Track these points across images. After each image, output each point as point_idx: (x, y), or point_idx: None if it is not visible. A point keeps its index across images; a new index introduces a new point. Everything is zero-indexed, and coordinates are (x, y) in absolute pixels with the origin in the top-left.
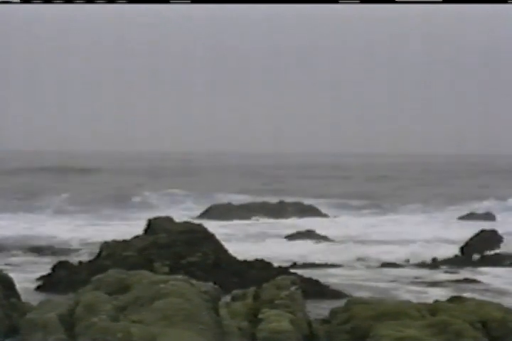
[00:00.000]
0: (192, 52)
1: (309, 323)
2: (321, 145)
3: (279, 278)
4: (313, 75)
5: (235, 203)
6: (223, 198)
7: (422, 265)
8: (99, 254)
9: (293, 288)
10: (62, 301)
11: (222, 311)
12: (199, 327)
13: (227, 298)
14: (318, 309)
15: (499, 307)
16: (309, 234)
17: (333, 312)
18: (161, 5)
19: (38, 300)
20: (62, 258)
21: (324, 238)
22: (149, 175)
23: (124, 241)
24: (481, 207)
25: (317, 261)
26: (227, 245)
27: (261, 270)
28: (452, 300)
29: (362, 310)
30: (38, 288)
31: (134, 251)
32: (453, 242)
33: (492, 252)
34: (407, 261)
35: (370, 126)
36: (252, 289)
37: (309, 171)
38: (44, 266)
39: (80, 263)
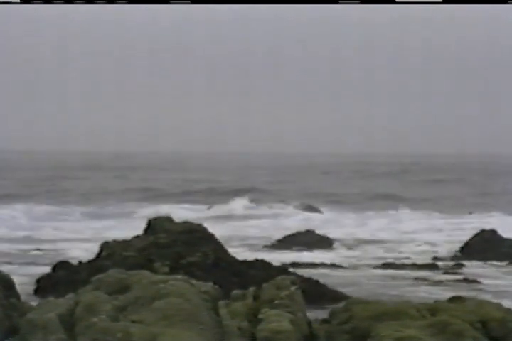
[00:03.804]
0: (192, 52)
1: (309, 323)
2: (320, 146)
3: (279, 278)
4: (313, 75)
5: None
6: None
7: (422, 265)
8: (99, 254)
9: (293, 288)
10: (62, 301)
11: (222, 311)
12: (199, 327)
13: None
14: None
15: (499, 307)
16: (309, 234)
17: (333, 312)
18: (161, 5)
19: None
20: None
21: (324, 238)
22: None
23: (124, 241)
24: None
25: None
26: None
27: (261, 270)
28: (452, 300)
29: (362, 310)
30: (38, 289)
31: (134, 251)
32: None
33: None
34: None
35: (370, 126)
36: (252, 289)
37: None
38: None
39: (80, 263)
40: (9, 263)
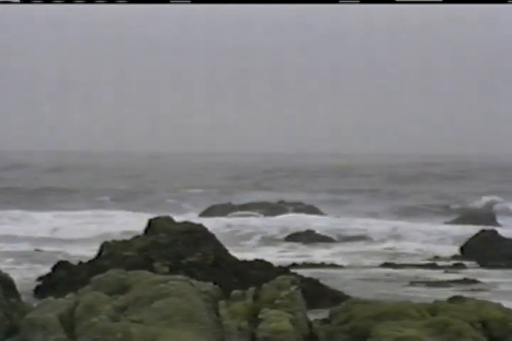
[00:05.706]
0: (192, 53)
1: (309, 323)
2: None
3: (279, 278)
4: (313, 75)
5: (234, 203)
6: None
7: (422, 265)
8: (99, 254)
9: (293, 288)
10: (62, 301)
11: (222, 311)
12: (199, 327)
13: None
14: None
15: (499, 307)
16: (309, 234)
17: (333, 312)
18: (161, 5)
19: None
20: None
21: (325, 238)
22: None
23: (124, 241)
24: None
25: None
26: None
27: (261, 270)
28: (452, 300)
29: (362, 310)
30: (38, 289)
31: (134, 251)
32: None
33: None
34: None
35: (370, 126)
36: (252, 289)
37: None
38: None
39: (80, 263)
40: None
